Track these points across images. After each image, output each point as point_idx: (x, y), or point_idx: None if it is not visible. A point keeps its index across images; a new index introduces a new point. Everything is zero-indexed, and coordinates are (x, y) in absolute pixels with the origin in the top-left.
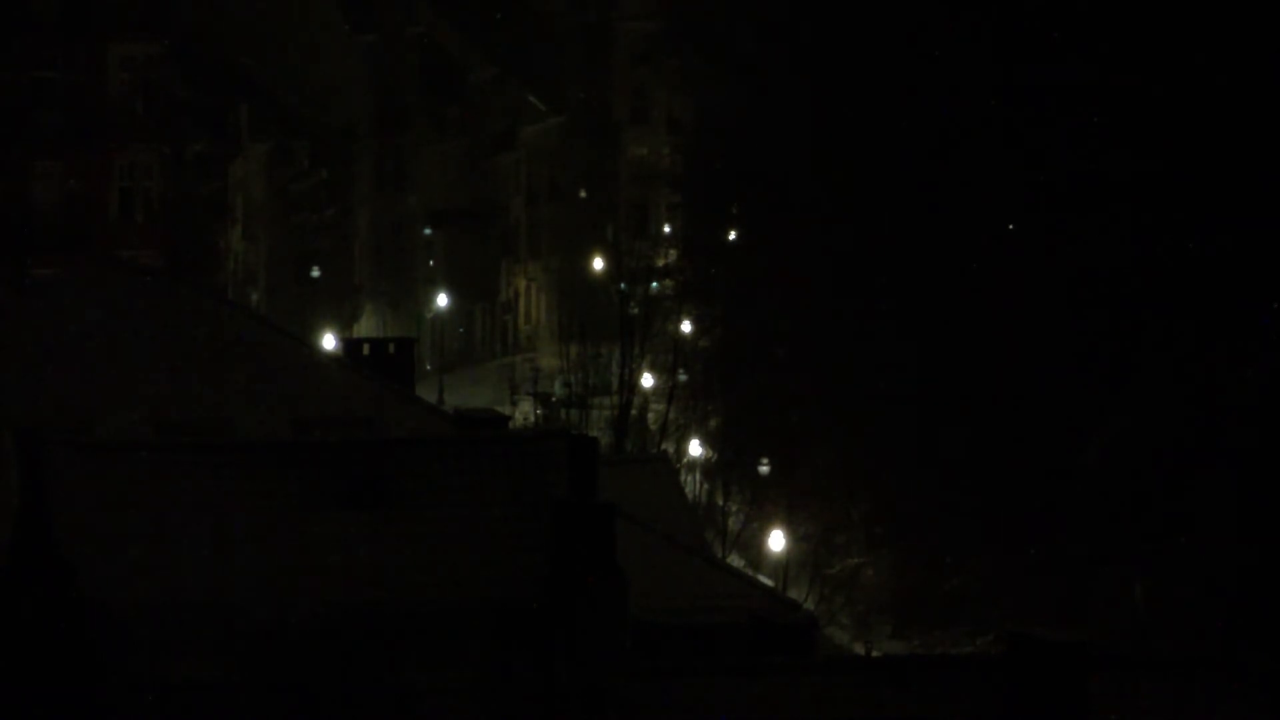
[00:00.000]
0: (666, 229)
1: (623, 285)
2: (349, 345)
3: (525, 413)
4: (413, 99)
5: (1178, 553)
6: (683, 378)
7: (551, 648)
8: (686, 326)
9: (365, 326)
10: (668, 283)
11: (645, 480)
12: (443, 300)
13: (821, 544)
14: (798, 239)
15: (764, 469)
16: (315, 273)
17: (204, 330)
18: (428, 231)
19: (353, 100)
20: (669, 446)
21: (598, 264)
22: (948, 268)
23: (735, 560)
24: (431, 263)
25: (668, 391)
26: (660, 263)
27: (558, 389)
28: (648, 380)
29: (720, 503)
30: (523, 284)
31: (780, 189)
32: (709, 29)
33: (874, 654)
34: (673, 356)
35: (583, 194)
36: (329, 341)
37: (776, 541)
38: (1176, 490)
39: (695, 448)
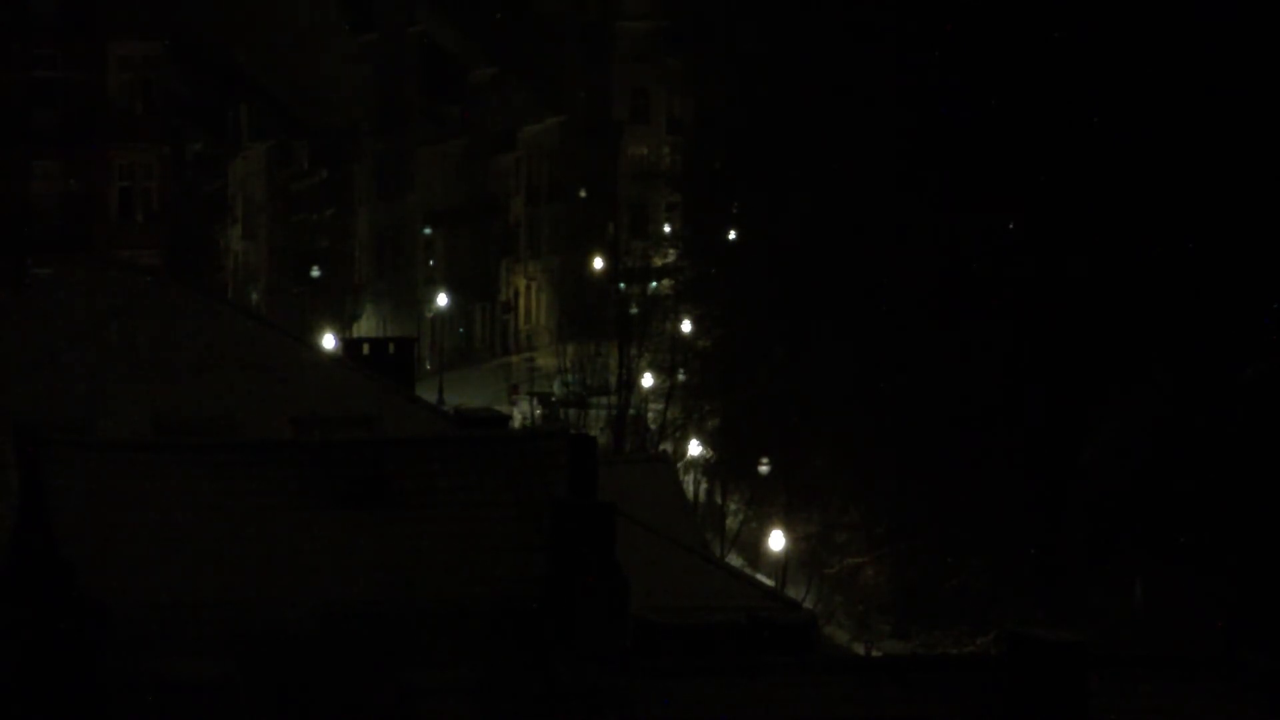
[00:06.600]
0: (666, 228)
1: (622, 285)
2: (349, 345)
3: (525, 412)
4: (413, 99)
5: (1178, 553)
6: (682, 377)
7: (551, 648)
8: (686, 326)
9: (365, 326)
10: (667, 282)
11: (645, 480)
12: (443, 300)
13: (821, 543)
14: (798, 239)
15: (764, 469)
16: (315, 273)
17: (204, 330)
18: (428, 231)
19: (353, 100)
20: (668, 446)
21: (598, 264)
22: (947, 267)
23: (735, 560)
24: (431, 263)
25: (667, 391)
26: (660, 262)
27: (557, 389)
28: (647, 380)
29: (720, 502)
30: (523, 284)
31: (780, 189)
32: (709, 29)
33: (874, 654)
34: (672, 356)
35: (583, 194)
36: (329, 341)
37: (776, 541)
38: (1175, 491)
39: (695, 448)
